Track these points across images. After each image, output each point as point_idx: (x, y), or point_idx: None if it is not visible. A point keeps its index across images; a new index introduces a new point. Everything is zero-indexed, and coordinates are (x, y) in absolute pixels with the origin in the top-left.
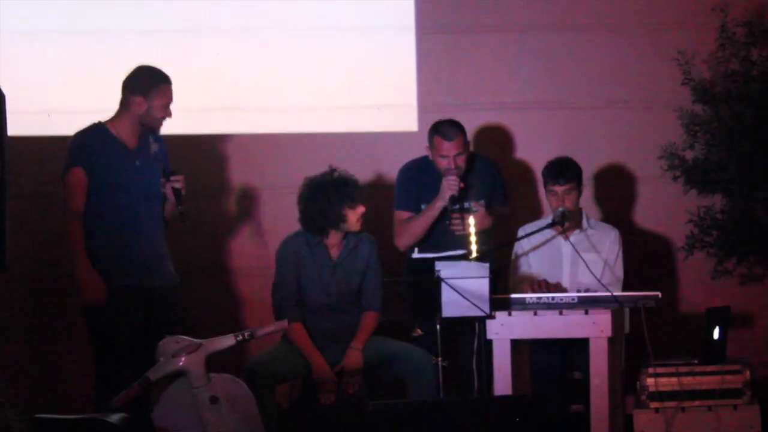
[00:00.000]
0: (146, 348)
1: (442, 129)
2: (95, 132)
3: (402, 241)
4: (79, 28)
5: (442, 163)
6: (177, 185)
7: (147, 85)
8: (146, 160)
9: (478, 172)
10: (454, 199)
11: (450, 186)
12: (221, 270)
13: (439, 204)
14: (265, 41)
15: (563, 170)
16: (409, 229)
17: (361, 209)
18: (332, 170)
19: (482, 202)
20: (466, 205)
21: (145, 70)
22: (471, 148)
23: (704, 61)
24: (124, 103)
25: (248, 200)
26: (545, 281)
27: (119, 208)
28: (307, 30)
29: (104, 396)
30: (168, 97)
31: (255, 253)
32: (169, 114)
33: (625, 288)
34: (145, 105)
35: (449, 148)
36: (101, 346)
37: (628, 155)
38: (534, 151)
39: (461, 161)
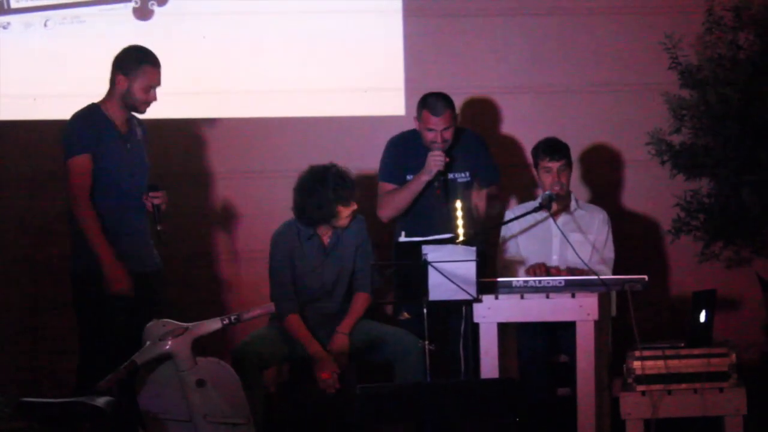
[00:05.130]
0: (133, 332)
1: (431, 102)
2: (94, 115)
3: (385, 212)
4: (65, 12)
5: (429, 136)
6: (156, 201)
7: (130, 64)
8: (135, 143)
9: (464, 147)
10: (439, 174)
11: (435, 161)
12: (209, 255)
13: (425, 178)
14: (252, 25)
15: (558, 147)
16: (393, 201)
17: (353, 207)
18: (332, 165)
19: (467, 173)
20: (451, 176)
21: (132, 49)
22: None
23: (691, 45)
24: (111, 82)
25: (234, 185)
26: (544, 265)
27: (117, 194)
28: (294, 13)
29: (86, 378)
30: (150, 79)
31: (242, 238)
32: (152, 98)
33: (612, 271)
34: (126, 84)
35: (437, 122)
36: (92, 329)
37: (616, 138)
38: (521, 134)
39: (448, 135)
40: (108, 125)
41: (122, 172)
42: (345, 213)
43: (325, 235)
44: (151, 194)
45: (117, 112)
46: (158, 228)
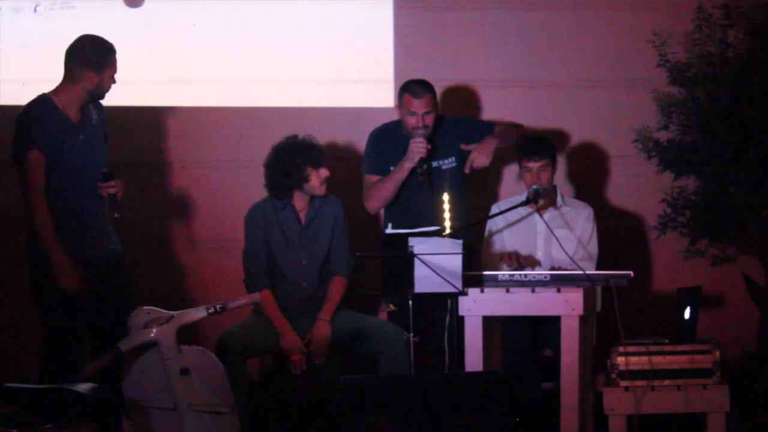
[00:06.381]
0: (96, 319)
1: (412, 87)
2: (44, 106)
3: (371, 203)
4: None
5: (410, 121)
6: (111, 190)
7: (98, 60)
8: (89, 132)
9: (445, 133)
10: (422, 161)
11: (417, 148)
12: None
13: (407, 165)
14: (243, 14)
15: (537, 146)
16: (378, 191)
17: (324, 172)
18: (295, 135)
19: (452, 159)
20: (435, 164)
21: (91, 42)
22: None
23: (680, 42)
24: (71, 77)
25: (223, 175)
26: (516, 253)
27: (72, 185)
28: (285, 3)
29: (47, 363)
30: (116, 66)
31: (229, 229)
32: (115, 81)
33: (597, 267)
34: (97, 78)
35: (418, 105)
36: (49, 316)
37: (603, 134)
38: None
39: (429, 120)
40: (59, 118)
41: (76, 163)
42: (316, 178)
43: (302, 211)
44: (105, 184)
45: (73, 104)
46: (115, 216)
